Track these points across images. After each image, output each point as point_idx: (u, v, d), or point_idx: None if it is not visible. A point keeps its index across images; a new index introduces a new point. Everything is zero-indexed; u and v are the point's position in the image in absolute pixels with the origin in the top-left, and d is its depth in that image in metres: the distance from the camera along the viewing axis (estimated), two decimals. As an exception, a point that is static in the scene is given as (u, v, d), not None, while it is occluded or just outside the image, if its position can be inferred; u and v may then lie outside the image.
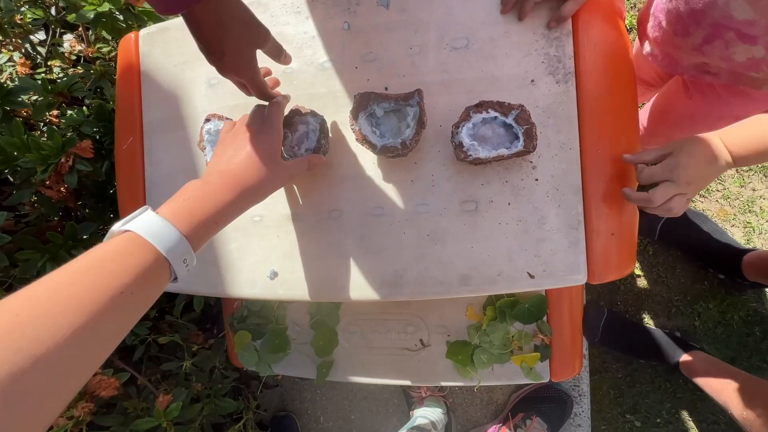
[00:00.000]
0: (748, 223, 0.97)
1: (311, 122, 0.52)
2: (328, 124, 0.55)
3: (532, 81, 0.50)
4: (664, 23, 0.54)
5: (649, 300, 1.02)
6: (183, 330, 0.89)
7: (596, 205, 0.49)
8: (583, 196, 0.49)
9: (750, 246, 0.97)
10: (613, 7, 0.50)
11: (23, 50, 0.85)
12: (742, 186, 0.97)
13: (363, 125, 0.49)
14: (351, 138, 0.54)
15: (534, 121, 0.48)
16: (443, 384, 0.90)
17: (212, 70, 0.43)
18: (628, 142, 0.49)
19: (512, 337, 0.76)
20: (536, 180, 0.50)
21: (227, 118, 0.56)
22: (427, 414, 0.94)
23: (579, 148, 0.49)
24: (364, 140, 0.49)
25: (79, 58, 0.94)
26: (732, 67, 0.50)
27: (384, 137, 0.50)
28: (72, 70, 0.92)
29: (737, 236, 0.98)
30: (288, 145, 0.52)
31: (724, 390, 0.76)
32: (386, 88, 0.54)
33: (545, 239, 0.49)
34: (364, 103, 0.48)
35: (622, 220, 0.49)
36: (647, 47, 0.62)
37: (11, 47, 0.87)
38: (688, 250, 0.97)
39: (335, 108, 0.55)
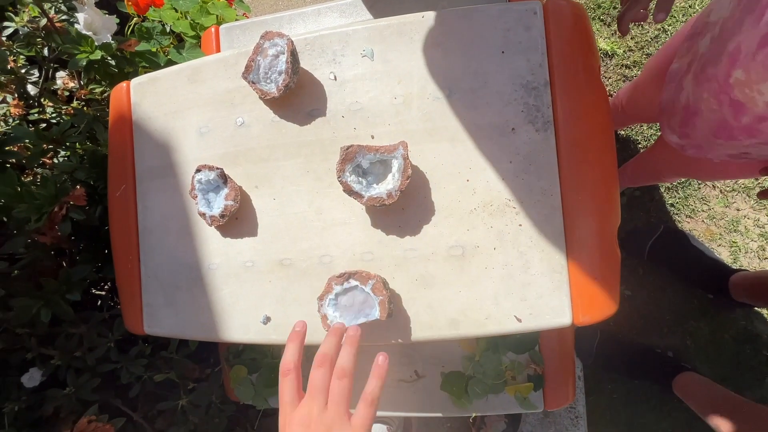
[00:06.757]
0: (734, 242, 0.99)
1: (279, 43, 0.52)
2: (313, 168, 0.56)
3: (513, 129, 0.52)
4: (702, 129, 0.53)
5: (642, 320, 1.03)
6: (179, 366, 0.89)
7: (579, 250, 0.50)
8: (566, 240, 0.50)
9: (737, 265, 0.99)
10: (590, 58, 0.52)
11: (16, 94, 0.86)
12: (726, 206, 0.99)
13: (349, 177, 0.50)
14: (340, 185, 0.56)
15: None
16: (441, 415, 0.91)
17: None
18: (606, 190, 0.51)
19: (505, 367, 0.77)
20: (520, 225, 0.51)
21: (218, 168, 0.57)
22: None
23: (560, 194, 0.50)
24: (351, 192, 0.50)
25: (72, 95, 0.95)
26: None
27: (371, 187, 0.51)
28: (65, 108, 0.93)
29: (724, 256, 0.99)
30: (263, 72, 0.53)
31: (714, 413, 0.77)
32: (372, 137, 0.55)
33: (530, 283, 0.51)
34: (350, 156, 0.50)
35: (605, 265, 0.50)
36: (673, 138, 0.62)
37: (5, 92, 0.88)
38: (677, 271, 0.99)
39: (323, 156, 0.57)
